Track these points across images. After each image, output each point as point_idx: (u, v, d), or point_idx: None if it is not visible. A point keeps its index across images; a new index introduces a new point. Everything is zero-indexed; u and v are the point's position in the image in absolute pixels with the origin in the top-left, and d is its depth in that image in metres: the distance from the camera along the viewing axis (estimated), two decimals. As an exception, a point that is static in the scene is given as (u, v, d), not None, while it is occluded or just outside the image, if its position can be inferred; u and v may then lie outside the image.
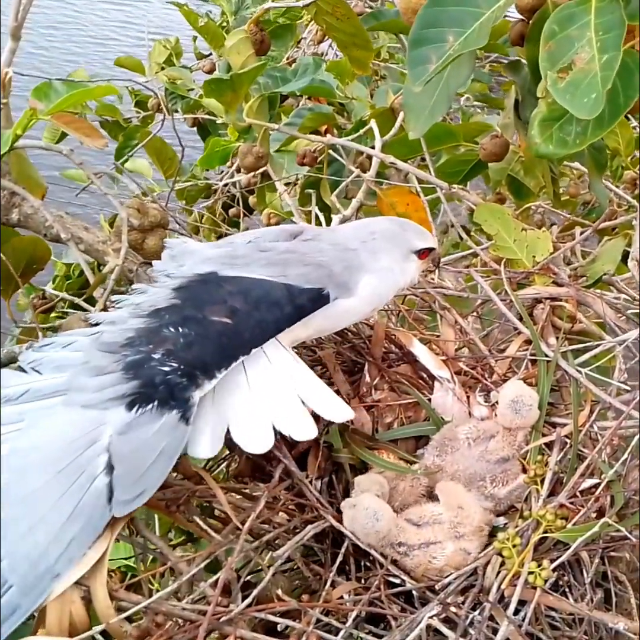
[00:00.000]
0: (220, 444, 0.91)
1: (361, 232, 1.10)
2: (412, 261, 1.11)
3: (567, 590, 0.99)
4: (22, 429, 0.88)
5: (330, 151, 1.75)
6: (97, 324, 0.98)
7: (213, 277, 1.00)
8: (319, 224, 1.65)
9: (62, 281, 1.89)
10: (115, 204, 1.22)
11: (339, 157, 1.76)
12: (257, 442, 0.91)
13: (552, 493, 1.03)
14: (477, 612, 0.93)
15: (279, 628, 0.95)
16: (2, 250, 1.22)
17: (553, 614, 0.98)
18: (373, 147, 1.61)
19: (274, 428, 0.91)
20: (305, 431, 0.92)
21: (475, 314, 1.36)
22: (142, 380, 0.88)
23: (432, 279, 1.38)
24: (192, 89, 2.64)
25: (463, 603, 0.94)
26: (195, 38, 3.14)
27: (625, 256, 1.49)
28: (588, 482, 1.03)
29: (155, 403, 0.87)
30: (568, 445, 1.07)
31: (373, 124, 1.67)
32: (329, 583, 1.00)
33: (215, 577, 0.91)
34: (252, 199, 2.41)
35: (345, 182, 1.69)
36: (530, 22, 1.18)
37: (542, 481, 1.02)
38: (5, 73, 1.20)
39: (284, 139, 1.82)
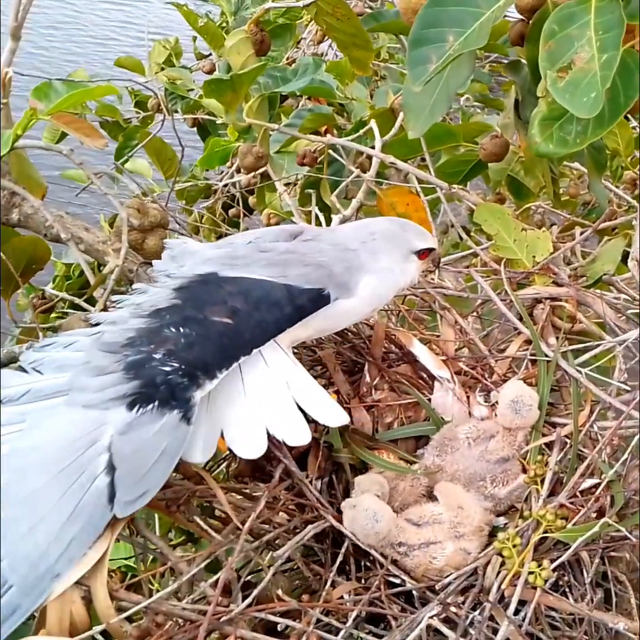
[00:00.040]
0: (213, 449, 0.91)
1: (361, 232, 1.10)
2: (412, 261, 1.11)
3: (567, 590, 0.99)
4: (24, 429, 0.88)
5: (330, 151, 1.76)
6: (97, 324, 0.98)
7: (213, 277, 1.00)
8: (319, 224, 1.65)
9: (62, 281, 1.89)
10: (115, 204, 1.22)
11: (339, 158, 1.76)
12: (250, 448, 0.91)
13: (552, 493, 1.03)
14: (477, 612, 0.93)
15: (279, 628, 0.95)
16: (2, 250, 1.22)
17: (553, 614, 0.98)
18: (373, 147, 1.61)
19: (269, 432, 0.91)
20: (299, 436, 0.92)
21: (475, 314, 1.36)
22: (143, 380, 0.88)
23: (432, 279, 1.38)
24: (192, 90, 2.64)
25: (463, 603, 0.94)
26: (195, 38, 3.14)
27: (625, 256, 1.49)
28: (588, 482, 1.03)
29: (156, 403, 0.87)
30: (568, 445, 1.08)
31: (373, 124, 1.67)
32: (329, 583, 1.00)
33: (215, 577, 0.91)
34: (252, 199, 2.41)
35: (345, 182, 1.70)
36: (530, 22, 1.18)
37: (542, 481, 1.02)
38: (5, 73, 1.20)
39: (284, 140, 1.82)
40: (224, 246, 1.09)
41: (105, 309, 1.11)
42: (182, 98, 2.63)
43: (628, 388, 1.17)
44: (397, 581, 1.01)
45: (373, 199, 1.61)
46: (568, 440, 1.08)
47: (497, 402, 1.11)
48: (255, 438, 0.91)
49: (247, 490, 1.11)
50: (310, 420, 0.94)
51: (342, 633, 0.93)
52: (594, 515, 1.00)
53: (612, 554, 1.04)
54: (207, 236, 2.26)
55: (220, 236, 1.90)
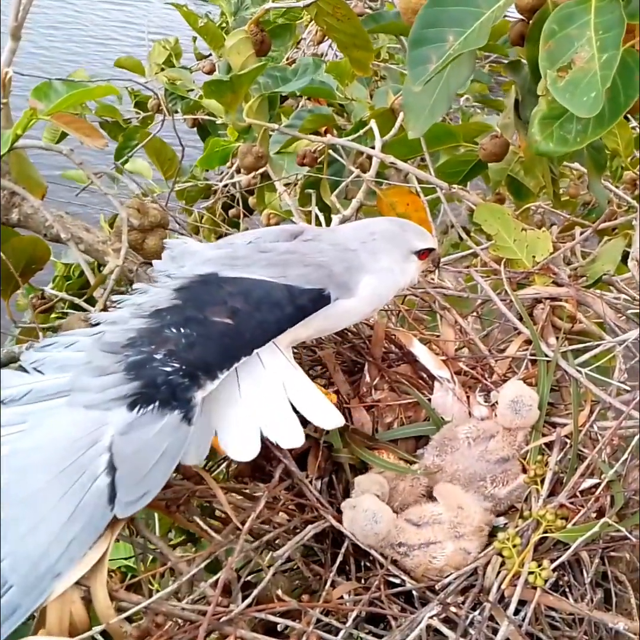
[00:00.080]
0: (206, 451, 0.91)
1: (361, 232, 1.10)
2: (412, 261, 1.11)
3: (567, 590, 0.99)
4: (26, 430, 0.88)
5: (330, 151, 1.76)
6: (97, 324, 0.98)
7: (214, 278, 1.00)
8: (318, 224, 1.65)
9: (61, 281, 1.89)
10: (115, 204, 1.22)
11: (339, 158, 1.76)
12: (243, 450, 0.91)
13: (552, 493, 1.03)
14: (477, 612, 0.93)
15: (279, 628, 0.95)
16: (2, 250, 1.22)
17: (553, 614, 0.98)
18: (373, 147, 1.61)
19: (262, 435, 0.91)
20: (292, 438, 0.92)
21: (475, 314, 1.36)
22: (144, 381, 0.88)
23: (432, 279, 1.38)
24: (192, 90, 2.64)
25: (463, 603, 0.94)
26: (195, 38, 3.14)
27: (625, 256, 1.49)
28: (588, 482, 1.03)
29: (157, 403, 0.87)
30: (568, 445, 1.08)
31: (373, 124, 1.67)
32: (329, 583, 1.00)
33: (215, 577, 0.91)
34: (251, 200, 2.41)
35: (345, 182, 1.70)
36: (531, 22, 1.18)
37: (542, 481, 1.02)
38: (5, 73, 1.20)
39: (284, 141, 1.82)
40: (224, 246, 1.09)
41: (105, 309, 1.11)
42: (182, 98, 2.63)
43: (628, 388, 1.17)
44: (397, 581, 1.01)
45: (373, 199, 1.61)
46: (568, 440, 1.08)
47: (497, 402, 1.11)
48: (249, 440, 0.91)
49: (247, 490, 1.11)
50: (309, 421, 0.94)
51: (342, 633, 0.93)
52: (594, 515, 1.00)
53: (612, 554, 1.04)
54: (207, 236, 2.26)
55: (220, 236, 1.90)
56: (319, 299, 1.00)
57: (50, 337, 1.03)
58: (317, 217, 1.68)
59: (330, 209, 1.70)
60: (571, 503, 1.00)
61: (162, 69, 2.76)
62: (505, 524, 1.05)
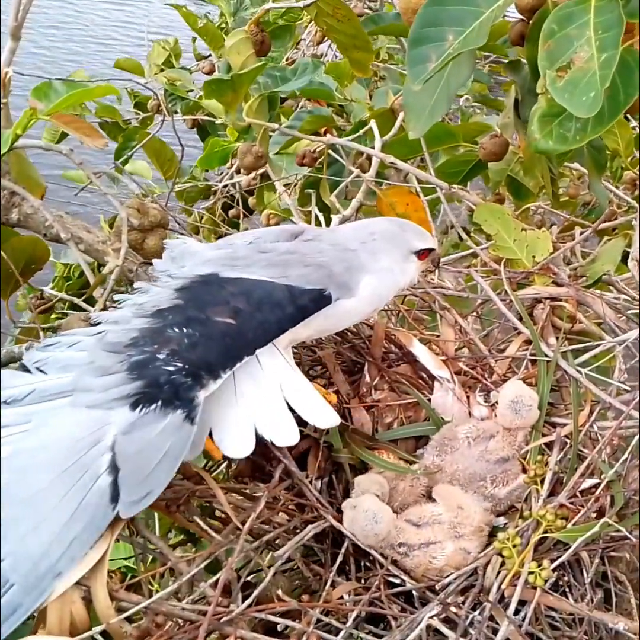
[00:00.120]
0: (200, 448, 0.91)
1: (361, 232, 1.10)
2: (411, 262, 1.11)
3: (567, 590, 0.99)
4: (30, 430, 0.88)
5: (330, 152, 1.76)
6: (98, 323, 0.98)
7: (215, 278, 1.00)
8: (318, 224, 1.65)
9: (61, 282, 1.89)
10: (115, 204, 1.22)
11: (338, 158, 1.76)
12: (238, 447, 0.91)
13: (552, 493, 1.03)
14: (477, 612, 0.93)
15: (279, 628, 0.95)
16: (1, 250, 1.22)
17: (553, 614, 0.98)
18: (373, 148, 1.61)
19: (257, 433, 0.91)
20: (287, 436, 0.92)
21: (475, 314, 1.36)
22: (146, 380, 0.88)
23: (432, 279, 1.38)
24: (192, 90, 2.64)
25: (463, 603, 0.94)
26: (194, 39, 3.14)
27: (625, 256, 1.49)
28: (588, 482, 1.03)
29: (159, 403, 0.87)
30: (568, 445, 1.08)
31: (373, 124, 1.67)
32: (329, 583, 1.00)
33: (215, 578, 0.91)
34: (251, 200, 2.41)
35: (345, 182, 1.70)
36: (530, 22, 1.18)
37: (542, 481, 1.02)
38: (5, 73, 1.21)
39: (283, 142, 1.82)
40: (224, 247, 1.09)
41: (105, 308, 1.11)
42: (181, 99, 2.63)
43: (628, 388, 1.17)
44: (397, 581, 1.01)
45: (373, 199, 1.61)
46: (568, 440, 1.08)
47: (497, 402, 1.11)
48: (243, 437, 0.91)
49: (247, 490, 1.11)
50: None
51: (342, 633, 0.93)
52: (594, 515, 1.00)
53: (612, 554, 1.04)
54: (206, 236, 2.26)
55: (220, 236, 1.90)
56: (319, 299, 1.00)
57: (50, 337, 1.03)
58: (316, 217, 1.68)
59: (330, 209, 1.70)
60: (571, 503, 1.00)
61: (162, 70, 2.75)
62: (505, 524, 1.05)
